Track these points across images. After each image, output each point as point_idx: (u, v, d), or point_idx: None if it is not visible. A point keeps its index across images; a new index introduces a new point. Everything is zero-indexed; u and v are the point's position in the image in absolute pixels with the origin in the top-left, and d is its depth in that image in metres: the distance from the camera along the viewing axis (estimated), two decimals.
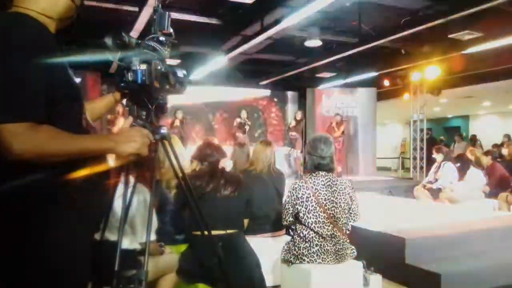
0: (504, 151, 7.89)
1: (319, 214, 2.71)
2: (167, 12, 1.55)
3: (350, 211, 2.83)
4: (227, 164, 2.63)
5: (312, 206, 2.72)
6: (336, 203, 2.74)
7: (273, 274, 3.26)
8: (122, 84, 1.44)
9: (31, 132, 1.05)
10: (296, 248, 2.77)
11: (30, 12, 1.17)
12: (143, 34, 1.51)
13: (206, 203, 2.49)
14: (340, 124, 10.08)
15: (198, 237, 2.35)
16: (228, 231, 2.53)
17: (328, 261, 2.71)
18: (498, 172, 6.59)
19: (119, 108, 8.56)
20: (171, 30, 1.55)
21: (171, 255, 2.60)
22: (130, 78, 1.41)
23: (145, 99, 1.47)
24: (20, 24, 1.12)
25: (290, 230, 2.91)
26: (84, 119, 1.30)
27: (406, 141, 17.75)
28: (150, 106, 1.48)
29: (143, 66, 1.40)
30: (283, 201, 2.95)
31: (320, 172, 2.81)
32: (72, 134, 1.14)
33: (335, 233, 2.73)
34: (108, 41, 1.37)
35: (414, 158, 11.52)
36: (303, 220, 2.74)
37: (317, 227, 2.71)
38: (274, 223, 3.50)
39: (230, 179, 2.66)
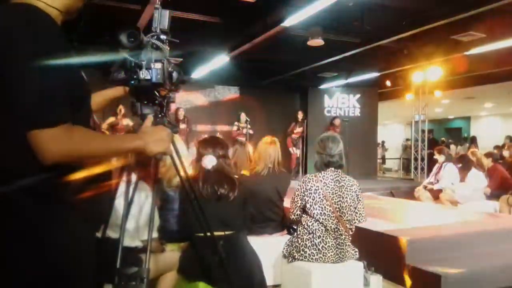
0: (505, 152, 7.88)
1: (325, 207, 2.78)
2: (168, 10, 1.55)
3: (356, 211, 2.86)
4: (207, 160, 2.56)
5: (319, 197, 2.79)
6: (343, 197, 2.81)
7: (273, 273, 3.26)
8: (132, 82, 1.43)
9: (67, 135, 1.03)
10: (299, 239, 2.83)
11: (38, 3, 1.10)
12: (144, 32, 1.50)
13: (202, 204, 2.46)
14: (335, 127, 10.01)
15: (199, 236, 2.35)
16: (227, 232, 2.51)
17: (328, 257, 2.73)
18: (499, 174, 6.57)
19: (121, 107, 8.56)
20: (167, 29, 1.54)
21: (172, 253, 2.60)
22: (143, 76, 1.40)
23: (158, 97, 1.47)
24: (36, 19, 1.05)
25: (291, 230, 2.93)
26: (91, 118, 1.29)
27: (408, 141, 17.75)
28: (164, 104, 1.48)
29: (158, 65, 1.41)
30: (293, 195, 2.96)
31: (329, 168, 2.90)
32: (104, 135, 1.12)
33: (338, 227, 2.79)
34: (123, 38, 1.36)
35: (415, 159, 11.51)
36: (309, 211, 2.81)
37: (322, 218, 2.77)
38: (275, 224, 3.50)
39: (225, 180, 2.60)
